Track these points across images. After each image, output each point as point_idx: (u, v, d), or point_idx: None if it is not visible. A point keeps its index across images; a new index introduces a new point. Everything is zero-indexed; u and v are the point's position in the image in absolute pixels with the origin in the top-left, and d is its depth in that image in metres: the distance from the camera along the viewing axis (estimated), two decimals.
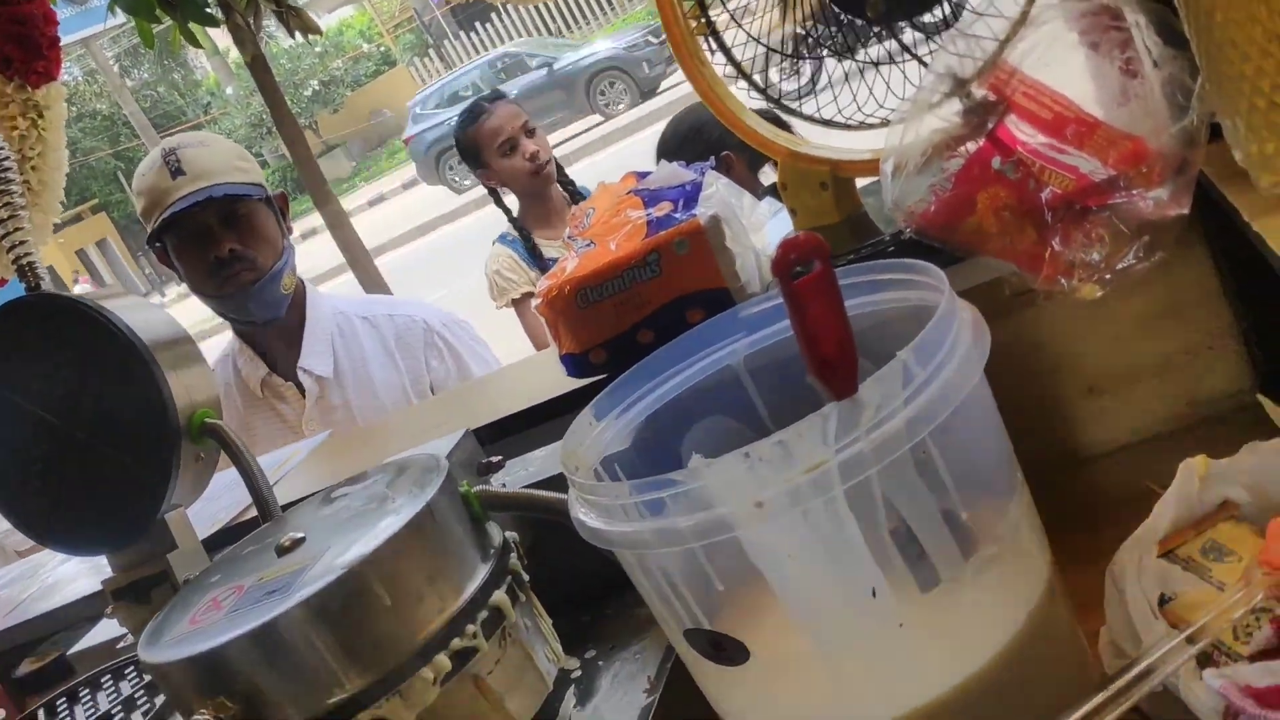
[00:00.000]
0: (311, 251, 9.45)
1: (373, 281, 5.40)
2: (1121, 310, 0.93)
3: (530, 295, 2.57)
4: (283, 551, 0.72)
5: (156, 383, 0.93)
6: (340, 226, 5.50)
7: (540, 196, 2.66)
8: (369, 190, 17.30)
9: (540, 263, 2.57)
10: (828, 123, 0.94)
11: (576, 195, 2.69)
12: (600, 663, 0.83)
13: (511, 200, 2.71)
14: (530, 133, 2.61)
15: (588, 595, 0.89)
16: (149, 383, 0.93)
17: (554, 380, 1.06)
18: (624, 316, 0.95)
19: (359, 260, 5.52)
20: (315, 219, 8.31)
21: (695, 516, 0.57)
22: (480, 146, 2.60)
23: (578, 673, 0.82)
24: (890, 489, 0.58)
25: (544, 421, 1.04)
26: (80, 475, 0.97)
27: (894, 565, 0.59)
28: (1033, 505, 0.66)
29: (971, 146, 0.82)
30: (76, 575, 1.44)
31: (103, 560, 1.45)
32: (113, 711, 0.87)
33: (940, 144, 0.81)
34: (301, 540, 0.72)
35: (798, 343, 0.55)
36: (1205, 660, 0.61)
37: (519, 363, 1.46)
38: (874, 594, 0.59)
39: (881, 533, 0.58)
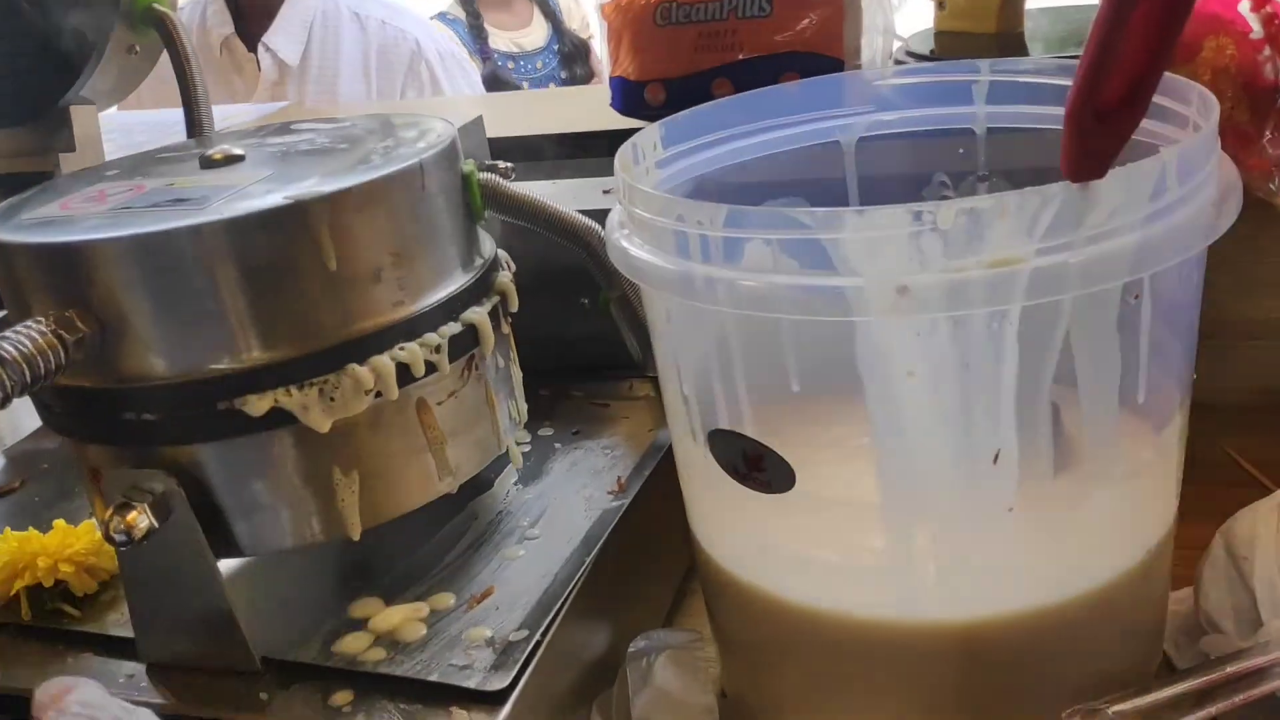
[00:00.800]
0: None
1: None
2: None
3: None
4: (209, 164, 0.53)
5: None
6: None
7: None
8: None
9: (484, 51, 2.21)
10: None
11: None
12: (557, 445, 0.66)
13: None
14: None
15: (558, 368, 0.72)
16: None
17: (583, 115, 0.87)
18: (705, 54, 0.75)
19: None
20: None
21: (805, 279, 0.40)
22: None
23: (526, 447, 0.65)
24: (1077, 332, 0.41)
25: (562, 156, 0.84)
26: None
27: (1037, 432, 0.42)
28: (1187, 428, 0.51)
29: None
30: None
31: None
32: None
33: None
34: (238, 158, 0.53)
35: (1083, 60, 0.37)
36: None
37: (549, 91, 1.25)
38: (995, 459, 0.42)
39: (1041, 386, 0.42)
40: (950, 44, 0.79)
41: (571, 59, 2.27)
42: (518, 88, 2.17)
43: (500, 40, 2.23)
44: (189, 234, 0.45)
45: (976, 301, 0.39)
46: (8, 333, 0.43)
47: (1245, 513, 0.56)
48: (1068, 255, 0.38)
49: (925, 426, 0.43)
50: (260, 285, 0.46)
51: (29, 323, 0.44)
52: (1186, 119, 0.49)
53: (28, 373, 0.42)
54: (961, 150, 0.61)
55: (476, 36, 2.21)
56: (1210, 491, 0.59)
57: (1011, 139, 0.59)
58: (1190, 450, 0.78)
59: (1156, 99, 0.50)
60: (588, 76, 2.30)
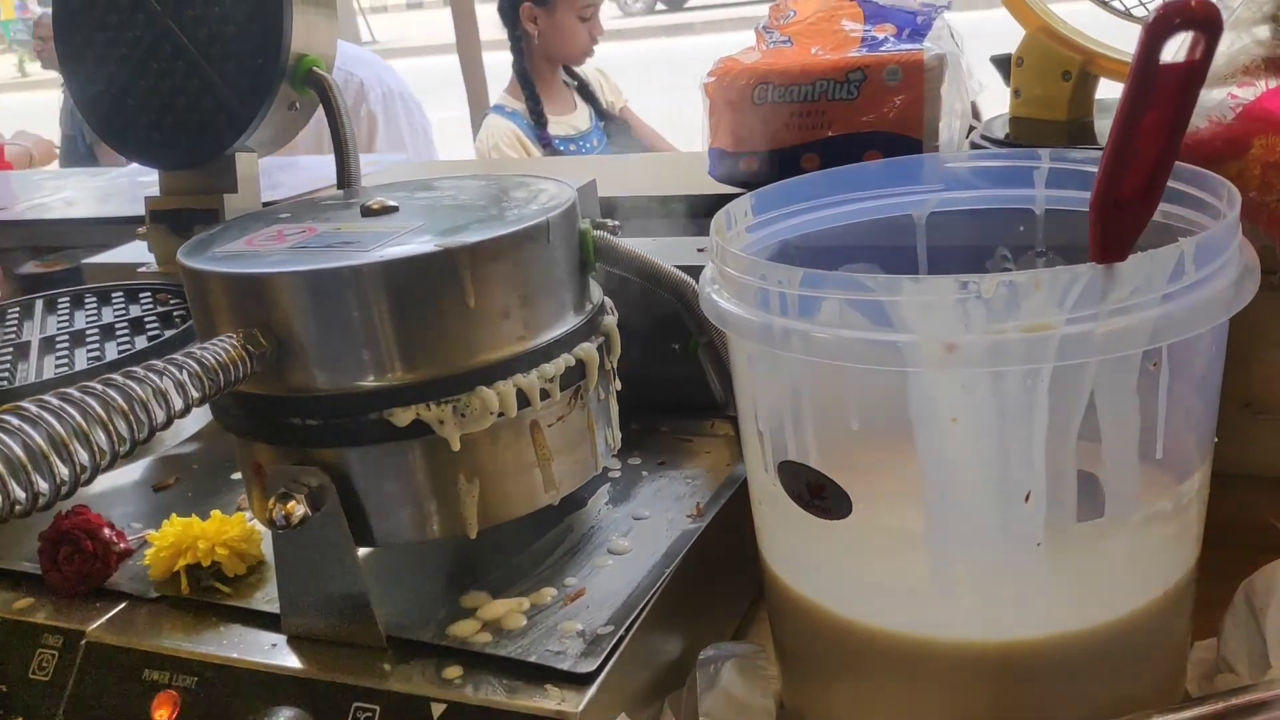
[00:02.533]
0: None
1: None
2: None
3: None
4: (369, 213, 0.63)
5: (280, 8, 0.83)
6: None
7: (553, 69, 2.38)
8: None
9: (543, 138, 2.28)
10: (1117, 9, 0.81)
11: (573, 72, 2.42)
12: (644, 473, 0.74)
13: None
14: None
15: (647, 404, 0.80)
16: (273, 6, 0.83)
17: (685, 179, 0.96)
18: (796, 130, 0.84)
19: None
20: None
21: (868, 334, 0.48)
22: None
23: (617, 473, 0.73)
24: (1100, 391, 0.48)
25: (664, 215, 0.93)
26: (165, 76, 0.88)
27: (1064, 478, 0.49)
28: (1208, 486, 0.57)
29: (1273, 83, 0.70)
30: (77, 204, 1.35)
31: (112, 192, 1.37)
32: (116, 326, 0.78)
33: (1244, 66, 0.69)
34: (393, 209, 0.63)
35: (1104, 159, 0.44)
36: None
37: (652, 155, 1.35)
38: (1027, 499, 0.49)
39: (1069, 437, 0.48)
40: (1024, 130, 0.86)
41: (616, 133, 2.38)
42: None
43: (557, 126, 2.33)
44: (354, 272, 0.54)
45: (1013, 360, 0.46)
46: (206, 345, 0.53)
47: (1266, 569, 0.61)
48: (1093, 325, 0.45)
49: (966, 466, 0.50)
50: (409, 317, 0.55)
51: (222, 338, 0.53)
52: (1218, 209, 0.55)
53: (221, 378, 0.52)
54: (1022, 228, 0.68)
55: (536, 124, 2.30)
56: (1250, 556, 0.64)
57: (1067, 219, 0.65)
58: (1232, 516, 0.83)
59: (1193, 191, 0.58)
60: (635, 147, 2.39)
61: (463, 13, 5.24)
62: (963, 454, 0.50)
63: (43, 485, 0.40)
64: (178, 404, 0.49)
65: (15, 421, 0.41)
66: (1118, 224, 0.45)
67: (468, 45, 5.22)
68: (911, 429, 0.49)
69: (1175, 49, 0.44)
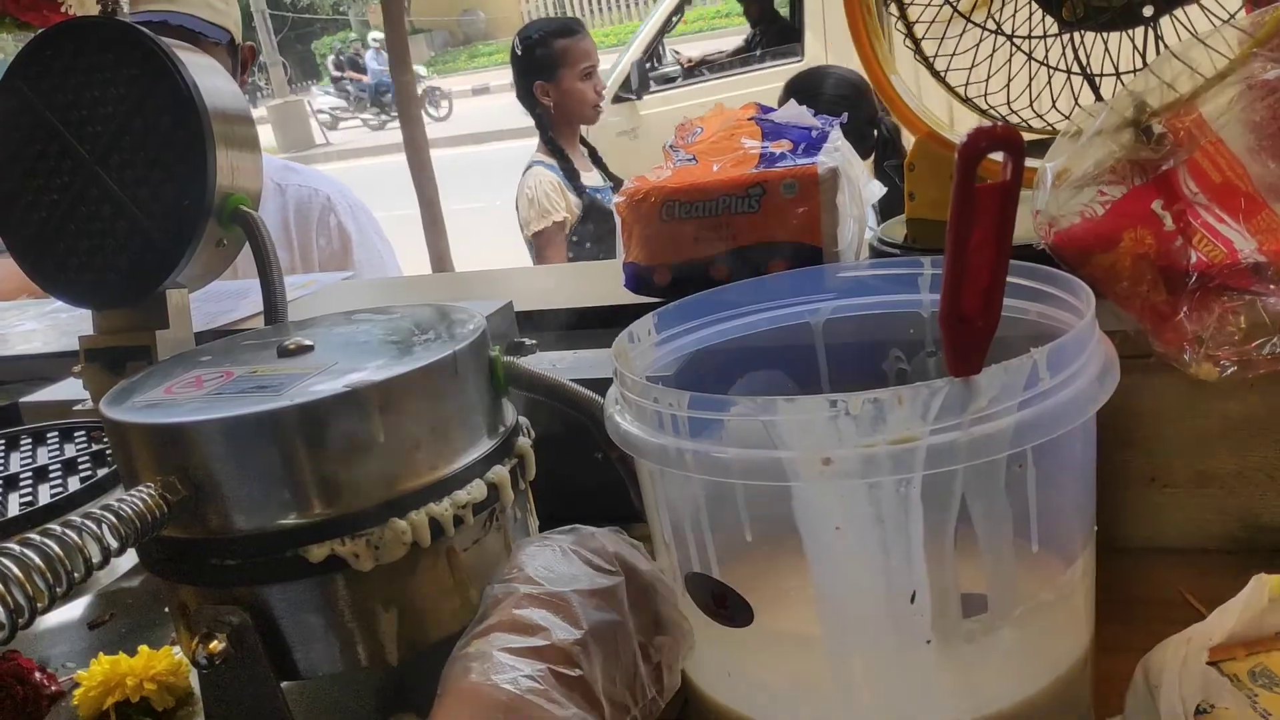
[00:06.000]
0: None
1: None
2: (1216, 408, 0.86)
3: (565, 224, 2.61)
4: (285, 354, 0.65)
5: (205, 151, 0.86)
6: (409, 101, 5.38)
7: (574, 130, 2.75)
8: (437, 83, 16.92)
9: (577, 187, 2.63)
10: (984, 112, 0.87)
11: (583, 139, 2.78)
12: None
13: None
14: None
15: (572, 513, 0.82)
16: (197, 148, 0.86)
17: (601, 291, 0.99)
18: (704, 244, 0.88)
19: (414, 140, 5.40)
20: None
21: (752, 452, 0.51)
22: (563, 62, 2.68)
23: None
24: (971, 494, 0.51)
25: (582, 327, 0.97)
26: (94, 219, 0.90)
27: (945, 577, 0.52)
28: (1094, 570, 0.60)
29: (1137, 182, 0.75)
30: (33, 338, 1.37)
31: (70, 328, 1.39)
32: (50, 468, 0.80)
33: (1110, 167, 0.74)
34: (309, 348, 0.65)
35: (943, 281, 0.48)
36: None
37: (572, 265, 1.39)
38: (912, 599, 0.52)
39: (945, 538, 0.51)
40: (920, 230, 0.91)
41: None
42: (608, 210, 2.56)
43: (590, 178, 2.67)
44: (268, 418, 0.56)
45: (884, 471, 0.49)
46: (125, 496, 0.54)
47: (1160, 646, 0.64)
48: (956, 435, 0.49)
49: (853, 571, 0.53)
50: (323, 455, 0.57)
51: (139, 488, 0.55)
52: (1079, 309, 0.59)
53: (139, 526, 0.54)
54: (911, 329, 0.72)
55: (569, 176, 2.63)
56: (1158, 629, 0.67)
57: None
58: (1141, 590, 0.86)
59: (1057, 292, 0.62)
60: None
61: (410, 119, 5.36)
62: (849, 559, 0.52)
63: None
64: (96, 557, 0.51)
65: None
66: (965, 338, 0.49)
67: (416, 147, 5.33)
68: (800, 538, 0.52)
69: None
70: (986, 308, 0.48)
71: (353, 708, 0.65)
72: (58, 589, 0.48)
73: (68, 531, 0.50)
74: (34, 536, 0.49)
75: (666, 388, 0.54)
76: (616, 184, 2.72)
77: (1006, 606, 0.53)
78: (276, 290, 0.85)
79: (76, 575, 0.49)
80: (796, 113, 0.92)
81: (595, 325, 0.96)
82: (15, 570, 0.46)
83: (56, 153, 0.91)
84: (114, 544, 0.52)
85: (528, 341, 0.74)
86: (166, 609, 0.80)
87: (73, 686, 0.70)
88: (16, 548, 0.47)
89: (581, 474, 0.81)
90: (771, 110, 0.95)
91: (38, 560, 0.47)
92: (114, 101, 0.89)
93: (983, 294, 0.48)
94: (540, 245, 2.65)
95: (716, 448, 0.52)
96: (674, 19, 6.41)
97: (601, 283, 0.98)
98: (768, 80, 5.35)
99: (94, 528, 0.51)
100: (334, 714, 0.64)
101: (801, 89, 2.46)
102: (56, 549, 0.48)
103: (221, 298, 1.29)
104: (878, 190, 0.96)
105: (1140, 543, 0.92)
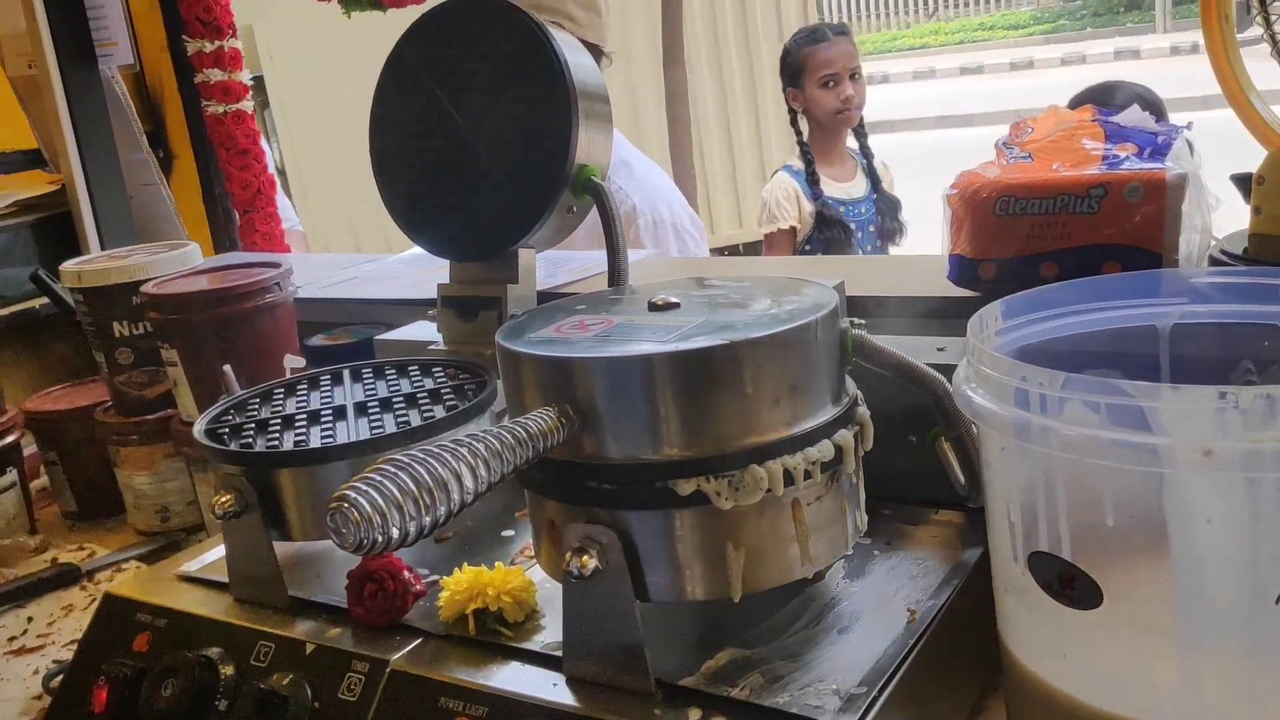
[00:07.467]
0: None
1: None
2: None
3: (792, 232, 2.68)
4: (655, 308, 0.71)
5: (569, 124, 0.94)
6: None
7: (832, 136, 2.76)
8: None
9: (814, 192, 2.68)
10: None
11: (866, 150, 2.80)
12: (876, 553, 0.80)
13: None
14: (854, 76, 2.72)
15: (872, 491, 0.85)
16: (561, 121, 0.94)
17: (921, 281, 1.01)
18: (1036, 241, 0.88)
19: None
20: None
21: (1128, 434, 0.52)
22: (804, 70, 2.72)
23: (848, 552, 0.79)
24: None
25: (905, 316, 0.99)
26: (461, 180, 1.00)
27: None
28: None
29: None
30: (367, 282, 1.51)
31: (418, 280, 1.52)
32: (417, 395, 0.90)
33: None
34: (675, 305, 0.71)
35: None
36: None
37: (882, 257, 1.41)
38: (1277, 600, 0.52)
39: None
40: (1264, 246, 0.88)
41: (888, 210, 2.72)
42: (840, 221, 2.65)
43: (832, 189, 2.70)
44: (654, 361, 0.63)
45: (1268, 467, 0.50)
46: (529, 415, 0.62)
47: None
48: None
49: (1218, 566, 0.53)
50: (698, 399, 0.63)
51: (541, 410, 0.63)
52: None
53: (541, 444, 0.61)
54: (1267, 343, 0.71)
55: (809, 181, 2.70)
56: None
57: None
58: None
59: None
60: (895, 231, 2.73)
61: None
62: (1216, 553, 0.53)
63: (440, 510, 0.50)
64: (522, 456, 0.59)
65: (404, 460, 0.51)
66: None
67: None
68: (1164, 527, 0.53)
69: None
70: None
71: (685, 637, 0.70)
72: (493, 479, 0.57)
73: (503, 432, 0.58)
74: (469, 438, 0.57)
75: (1037, 366, 0.56)
76: (885, 200, 2.75)
77: None
78: (621, 254, 0.93)
79: (510, 467, 0.57)
80: (1141, 117, 0.91)
81: (913, 315, 0.98)
82: (470, 457, 0.54)
83: (434, 116, 1.02)
84: (529, 453, 0.60)
85: (856, 321, 0.77)
86: (505, 531, 0.89)
87: (433, 588, 0.79)
88: (467, 439, 0.56)
89: (895, 456, 0.84)
90: (1113, 113, 0.94)
91: (484, 451, 0.55)
92: (489, 73, 0.99)
93: None
94: (768, 246, 2.74)
95: (1084, 428, 0.54)
96: None
97: (917, 274, 1.01)
98: None
99: (509, 437, 0.59)
100: (668, 640, 0.70)
101: (1093, 101, 2.38)
102: (495, 444, 0.56)
103: (543, 264, 1.39)
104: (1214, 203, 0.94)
105: None
